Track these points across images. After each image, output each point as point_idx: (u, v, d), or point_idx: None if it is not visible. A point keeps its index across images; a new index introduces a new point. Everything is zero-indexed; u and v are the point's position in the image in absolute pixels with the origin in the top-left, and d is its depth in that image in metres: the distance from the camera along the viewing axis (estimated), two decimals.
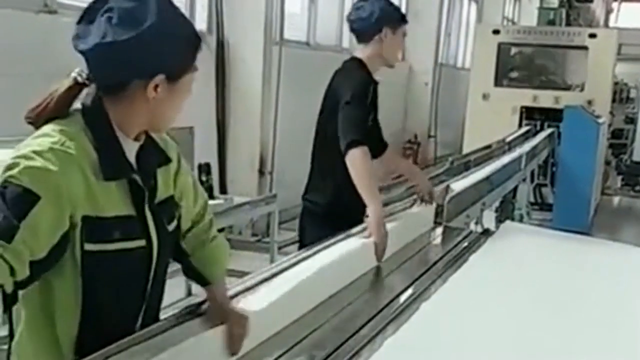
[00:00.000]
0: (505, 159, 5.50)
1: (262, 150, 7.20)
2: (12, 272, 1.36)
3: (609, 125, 10.44)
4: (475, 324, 2.22)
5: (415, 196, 3.41)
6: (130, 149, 1.60)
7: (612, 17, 24.45)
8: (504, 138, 7.09)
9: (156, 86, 1.54)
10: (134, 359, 1.53)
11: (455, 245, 3.07)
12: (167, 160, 1.71)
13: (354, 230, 2.78)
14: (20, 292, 1.49)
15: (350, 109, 2.94)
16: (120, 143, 1.57)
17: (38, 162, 1.42)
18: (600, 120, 8.39)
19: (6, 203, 1.39)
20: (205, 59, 6.70)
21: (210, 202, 5.04)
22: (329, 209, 3.07)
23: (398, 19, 3.19)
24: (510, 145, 6.83)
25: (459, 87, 12.42)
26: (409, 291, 2.43)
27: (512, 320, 2.29)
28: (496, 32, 9.99)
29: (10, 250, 1.35)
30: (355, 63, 3.15)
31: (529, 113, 9.39)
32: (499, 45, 9.82)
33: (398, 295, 2.37)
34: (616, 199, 11.08)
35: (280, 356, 1.86)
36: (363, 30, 3.15)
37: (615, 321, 2.35)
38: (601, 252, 3.41)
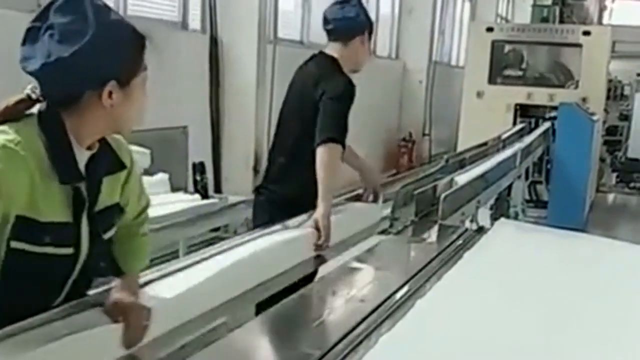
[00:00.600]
0: (500, 156, 5.49)
1: (257, 149, 7.19)
2: None
3: (604, 123, 10.45)
4: (470, 320, 2.21)
5: (360, 191, 3.46)
6: (82, 158, 1.62)
7: (606, 14, 24.51)
8: (499, 135, 7.09)
9: (110, 93, 1.57)
10: (21, 346, 1.49)
11: (451, 243, 3.07)
12: (121, 167, 1.74)
13: (299, 219, 2.86)
14: None
15: (335, 105, 2.97)
16: (73, 152, 1.59)
17: None
18: (594, 118, 8.40)
19: None
20: (199, 58, 6.76)
21: (205, 201, 5.07)
22: (291, 200, 3.07)
23: (372, 27, 3.26)
24: (505, 143, 6.82)
25: (454, 85, 12.42)
26: (405, 288, 2.43)
27: (506, 317, 2.29)
28: (490, 29, 9.97)
29: None
30: (331, 61, 3.15)
31: (523, 110, 9.40)
32: (493, 42, 9.80)
33: (394, 293, 2.37)
34: (611, 196, 11.11)
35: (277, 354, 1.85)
36: (347, 29, 3.15)
37: (610, 318, 2.35)
38: (596, 250, 3.40)
